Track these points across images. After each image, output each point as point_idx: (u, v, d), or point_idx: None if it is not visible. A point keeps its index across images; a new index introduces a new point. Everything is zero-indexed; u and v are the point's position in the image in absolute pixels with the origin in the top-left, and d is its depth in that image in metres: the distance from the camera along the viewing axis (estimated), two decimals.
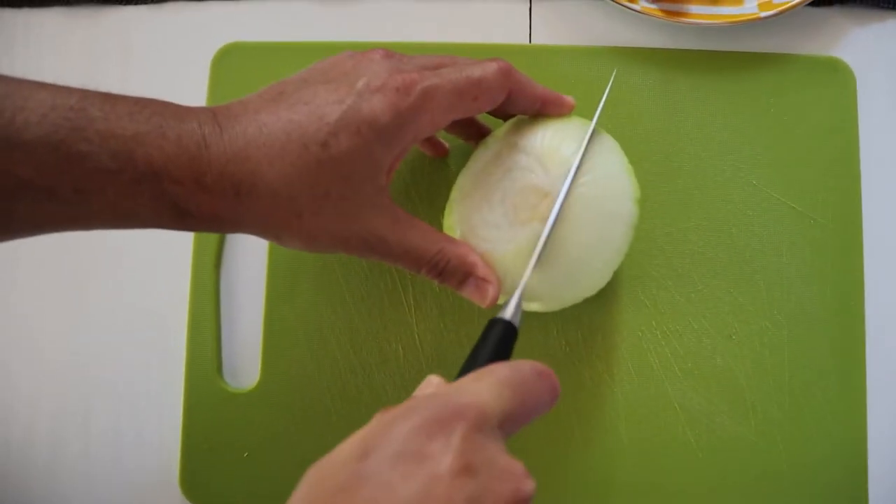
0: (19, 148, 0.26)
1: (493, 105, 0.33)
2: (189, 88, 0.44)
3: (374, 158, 0.30)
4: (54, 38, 0.46)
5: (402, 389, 0.41)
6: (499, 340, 0.30)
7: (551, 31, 0.45)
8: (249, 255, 0.43)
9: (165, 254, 0.43)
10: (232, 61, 0.44)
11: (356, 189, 0.30)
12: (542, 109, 0.35)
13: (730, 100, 0.42)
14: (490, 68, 0.32)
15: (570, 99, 0.36)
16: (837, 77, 0.42)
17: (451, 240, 0.33)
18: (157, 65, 0.46)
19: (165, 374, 0.42)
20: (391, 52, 0.32)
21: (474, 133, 0.38)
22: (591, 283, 0.35)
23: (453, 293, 0.41)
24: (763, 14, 0.42)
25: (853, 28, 0.44)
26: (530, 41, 0.45)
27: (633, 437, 0.40)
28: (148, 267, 0.44)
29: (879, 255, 0.41)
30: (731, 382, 0.40)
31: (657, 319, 0.41)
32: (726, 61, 0.43)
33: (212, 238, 0.43)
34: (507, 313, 0.31)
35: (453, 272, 0.33)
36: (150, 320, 0.43)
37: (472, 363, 0.29)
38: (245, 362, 0.42)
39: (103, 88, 0.44)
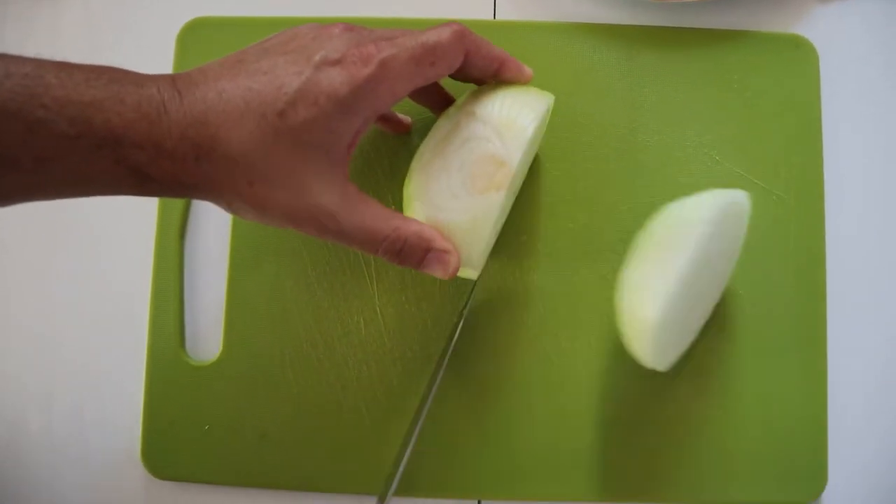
0: None
1: (451, 69, 0.33)
2: (156, 64, 0.44)
3: (331, 130, 0.30)
4: (20, 14, 0.46)
5: (364, 363, 0.41)
6: None
7: (516, 7, 0.45)
8: (213, 228, 0.43)
9: (128, 225, 0.43)
10: (198, 36, 0.44)
11: (310, 161, 0.30)
12: (500, 71, 0.35)
13: (693, 76, 0.42)
14: (444, 32, 0.32)
15: (528, 69, 0.36)
16: (800, 54, 0.42)
17: (405, 218, 0.33)
18: (124, 40, 0.46)
19: (127, 346, 0.42)
20: (351, 26, 0.32)
21: (440, 102, 0.39)
22: None
23: None
24: None
25: (816, 6, 0.44)
26: (495, 17, 0.45)
27: (596, 411, 0.40)
28: (111, 239, 0.44)
29: (841, 231, 0.42)
30: (695, 359, 0.40)
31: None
32: (690, 38, 0.43)
33: (176, 210, 0.43)
34: None
35: (412, 251, 0.33)
36: (113, 292, 0.43)
37: None
38: (207, 335, 0.42)
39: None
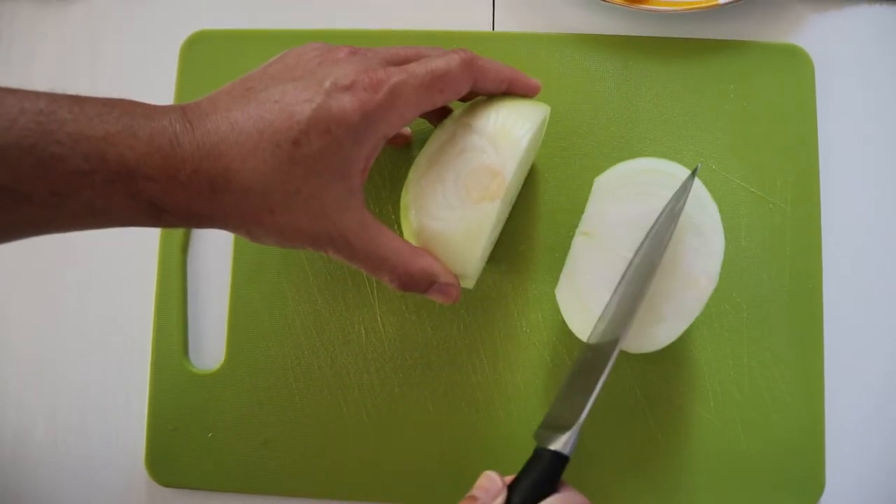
0: None
1: (458, 96, 0.34)
2: (159, 76, 0.45)
3: (344, 157, 0.30)
4: (25, 28, 0.47)
5: (365, 370, 0.41)
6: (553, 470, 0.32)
7: (515, 18, 0.45)
8: (216, 238, 0.44)
9: (133, 238, 0.43)
10: (200, 49, 0.45)
11: (326, 188, 0.30)
12: (509, 90, 0.36)
13: (690, 86, 0.43)
14: (453, 61, 0.32)
15: (535, 81, 0.36)
16: (796, 63, 0.43)
17: (414, 250, 0.34)
18: (127, 53, 0.46)
19: (131, 355, 0.43)
20: (356, 49, 0.32)
21: (438, 114, 0.39)
22: None
23: None
24: (722, 1, 0.42)
25: (811, 15, 0.44)
26: (493, 28, 0.45)
27: (593, 418, 0.40)
28: (116, 251, 0.44)
29: (837, 239, 0.42)
30: (691, 365, 0.40)
31: None
32: (686, 48, 0.43)
33: None
34: (564, 446, 0.32)
35: (416, 284, 0.34)
36: (117, 302, 0.44)
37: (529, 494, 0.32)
38: (210, 344, 0.43)
39: (74, 77, 0.46)
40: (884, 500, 0.40)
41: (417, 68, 0.31)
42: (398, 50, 0.34)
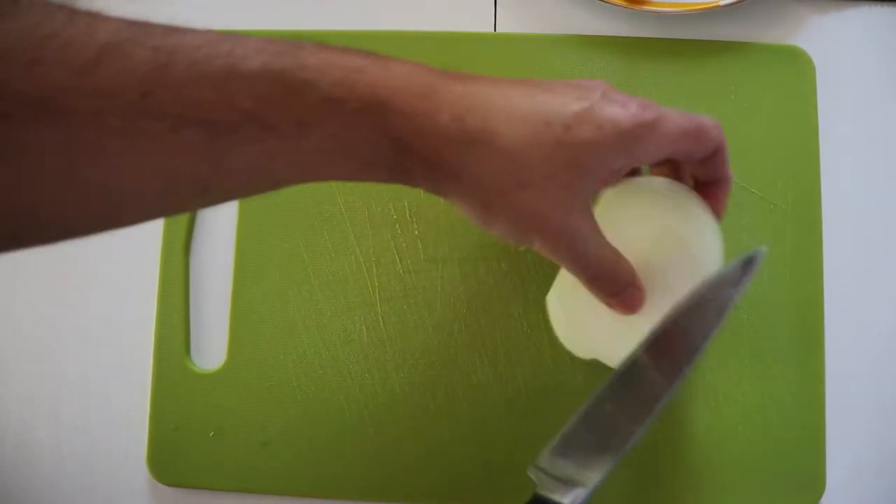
0: (239, 79, 0.25)
1: (703, 155, 0.32)
2: None
3: (605, 158, 0.29)
4: None
5: (366, 370, 0.41)
6: None
7: (516, 19, 0.45)
8: (218, 237, 0.44)
9: (135, 237, 0.43)
10: None
11: (582, 183, 0.29)
12: (711, 190, 0.34)
13: (690, 87, 0.43)
14: (709, 121, 0.32)
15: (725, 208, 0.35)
16: (797, 65, 0.43)
17: (619, 255, 0.32)
18: None
19: (133, 354, 0.43)
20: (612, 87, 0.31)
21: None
22: None
23: (416, 275, 0.42)
24: (723, 2, 0.42)
25: (812, 17, 0.44)
26: (495, 29, 0.45)
27: None
28: (118, 250, 0.44)
29: (838, 241, 0.42)
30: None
31: None
32: (687, 49, 0.43)
33: (181, 221, 0.43)
34: (570, 501, 0.31)
35: (616, 285, 0.32)
36: (120, 302, 0.44)
37: None
38: (212, 343, 0.43)
39: None
40: (885, 501, 0.40)
41: (681, 114, 0.31)
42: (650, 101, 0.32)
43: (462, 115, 0.27)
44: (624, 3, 0.43)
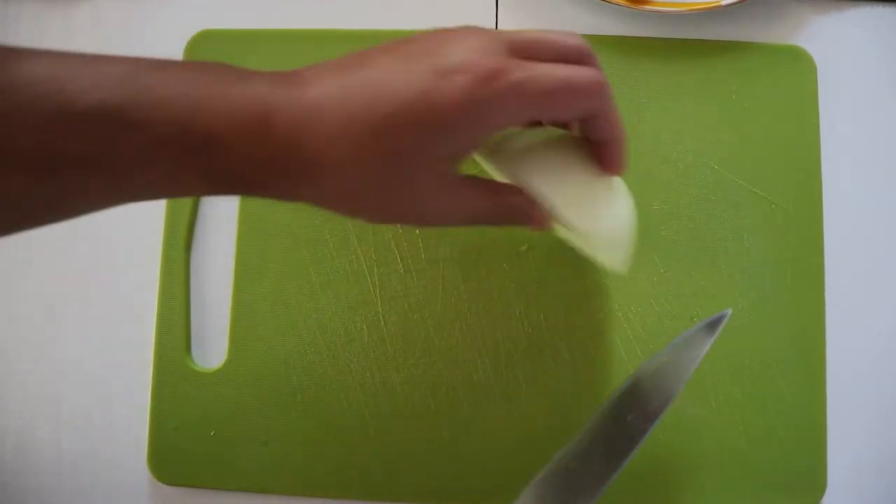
0: (72, 118, 0.25)
1: (572, 119, 0.31)
2: None
3: (434, 151, 0.28)
4: (31, 28, 0.47)
5: (367, 369, 0.41)
6: None
7: (517, 19, 0.45)
8: (219, 236, 0.44)
9: (136, 235, 0.44)
10: (205, 49, 0.45)
11: (414, 178, 0.29)
12: (602, 151, 0.32)
13: (692, 87, 0.43)
14: (592, 78, 0.29)
15: (626, 163, 0.33)
16: (798, 65, 0.43)
17: (499, 190, 0.31)
18: (134, 48, 0.46)
19: (134, 353, 0.43)
20: (480, 29, 0.29)
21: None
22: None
23: (417, 275, 0.42)
24: (724, 2, 0.42)
25: (813, 17, 0.44)
26: (496, 29, 0.45)
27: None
28: (118, 248, 0.44)
29: (839, 240, 0.42)
30: None
31: (620, 302, 0.41)
32: (689, 49, 0.43)
33: (182, 219, 0.43)
34: None
35: (510, 219, 0.32)
36: (120, 301, 0.44)
37: None
38: (213, 342, 0.43)
39: None
40: (886, 501, 0.40)
41: (546, 71, 0.28)
42: (528, 36, 0.29)
43: (295, 141, 0.27)
44: (625, 3, 0.43)
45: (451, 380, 0.41)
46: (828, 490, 0.40)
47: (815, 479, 0.40)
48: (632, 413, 0.34)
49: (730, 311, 0.34)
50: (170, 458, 0.41)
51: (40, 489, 0.43)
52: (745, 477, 0.40)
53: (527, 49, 0.29)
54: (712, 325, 0.34)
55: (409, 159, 0.28)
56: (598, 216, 0.33)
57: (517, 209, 0.32)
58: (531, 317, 0.41)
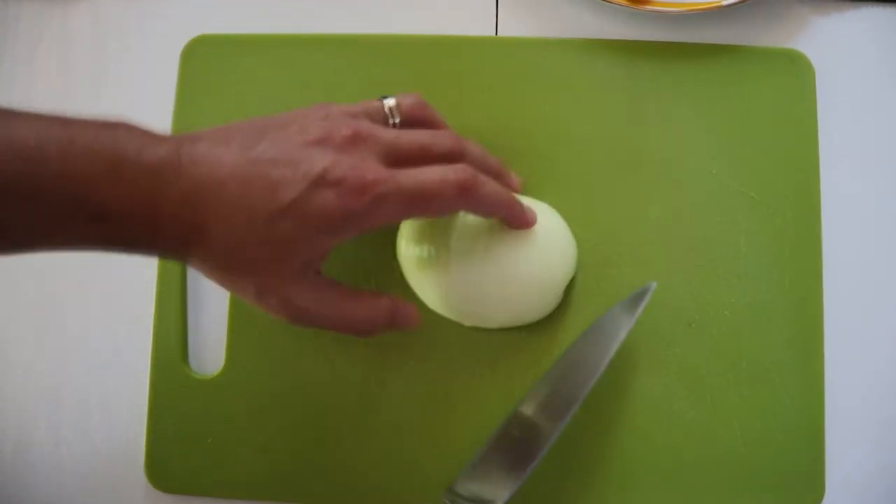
0: None
1: (444, 215, 0.36)
2: (159, 75, 0.45)
3: (310, 246, 0.31)
4: (30, 27, 0.47)
5: (363, 375, 0.41)
6: None
7: (517, 23, 0.45)
8: None
9: None
10: (201, 54, 0.45)
11: (285, 266, 0.31)
12: (503, 221, 0.37)
13: (691, 90, 0.43)
14: (448, 183, 0.32)
15: (532, 216, 0.37)
16: (796, 69, 0.43)
17: (373, 298, 0.35)
18: (131, 49, 0.47)
19: (131, 360, 0.43)
20: (360, 134, 0.32)
21: None
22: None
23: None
24: (725, 2, 0.42)
25: (813, 19, 0.44)
26: (496, 33, 0.45)
27: (590, 423, 0.40)
28: (115, 256, 0.44)
29: (837, 245, 0.42)
30: (690, 370, 0.40)
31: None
32: (688, 52, 0.43)
33: None
34: None
35: (366, 331, 0.35)
36: (117, 308, 0.44)
37: None
38: (210, 349, 0.43)
39: (77, 76, 0.46)
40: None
41: (407, 181, 0.31)
42: (403, 139, 0.33)
43: (182, 219, 0.29)
44: (626, 3, 0.43)
45: (451, 385, 0.41)
46: (826, 493, 0.40)
47: (813, 482, 0.40)
48: (568, 377, 0.37)
49: (654, 284, 0.38)
50: (167, 466, 0.41)
51: (38, 496, 0.43)
52: (743, 481, 0.40)
53: (402, 154, 0.33)
54: (638, 297, 0.38)
55: (286, 248, 0.31)
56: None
57: (375, 314, 0.34)
58: (528, 326, 0.41)
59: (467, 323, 0.40)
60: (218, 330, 0.42)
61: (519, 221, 0.37)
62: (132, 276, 0.43)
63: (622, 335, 0.36)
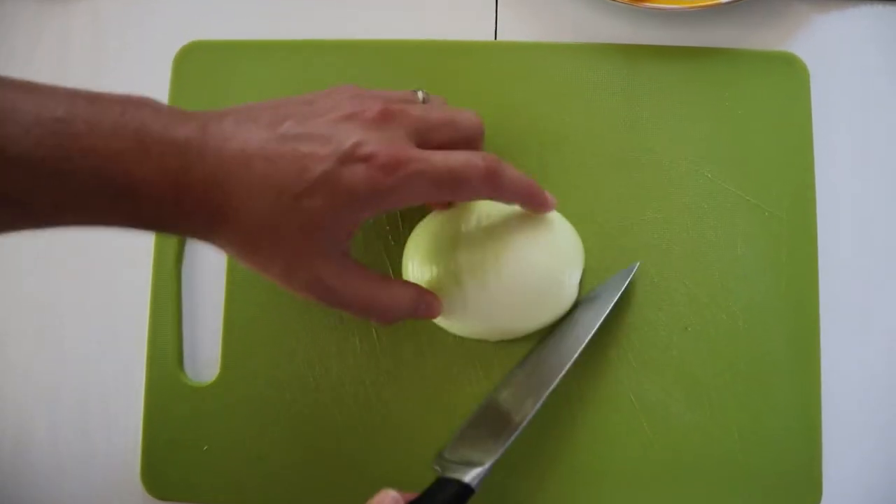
0: (2, 163, 0.26)
1: (469, 200, 0.35)
2: (155, 76, 0.45)
3: (339, 221, 0.31)
4: (30, 27, 0.47)
5: (360, 382, 0.41)
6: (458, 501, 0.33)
7: (516, 27, 0.45)
8: (210, 250, 0.42)
9: (127, 250, 0.44)
10: (194, 59, 0.45)
11: (314, 243, 0.31)
12: (523, 205, 0.37)
13: (686, 94, 0.43)
14: (476, 168, 0.32)
15: (552, 198, 0.37)
16: (791, 72, 0.43)
17: (401, 286, 0.35)
18: (128, 57, 0.47)
19: (127, 367, 0.43)
20: (388, 110, 0.32)
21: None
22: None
23: None
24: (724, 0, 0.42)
25: (809, 19, 0.44)
26: (496, 37, 0.45)
27: (588, 426, 0.40)
28: (110, 262, 0.44)
29: (833, 248, 0.42)
30: (687, 373, 0.40)
31: (613, 312, 0.41)
32: (685, 56, 0.43)
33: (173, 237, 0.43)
34: (473, 479, 0.33)
35: (391, 316, 0.34)
36: (112, 315, 0.44)
37: None
38: (205, 356, 0.43)
39: (75, 76, 0.46)
40: None
41: (439, 162, 0.31)
42: (433, 116, 0.33)
43: (204, 196, 0.29)
44: (626, 1, 0.43)
45: (446, 392, 0.41)
46: (824, 494, 0.40)
47: (811, 483, 0.40)
48: (559, 343, 0.39)
49: (639, 263, 0.40)
50: (163, 473, 0.41)
51: (36, 499, 0.43)
52: (741, 482, 0.40)
53: (430, 131, 0.33)
54: (624, 275, 0.40)
55: (315, 222, 0.30)
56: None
57: (399, 300, 0.34)
58: None
59: (494, 339, 0.40)
60: (213, 337, 0.42)
61: (541, 205, 0.37)
62: (127, 283, 0.44)
63: (608, 309, 0.38)
